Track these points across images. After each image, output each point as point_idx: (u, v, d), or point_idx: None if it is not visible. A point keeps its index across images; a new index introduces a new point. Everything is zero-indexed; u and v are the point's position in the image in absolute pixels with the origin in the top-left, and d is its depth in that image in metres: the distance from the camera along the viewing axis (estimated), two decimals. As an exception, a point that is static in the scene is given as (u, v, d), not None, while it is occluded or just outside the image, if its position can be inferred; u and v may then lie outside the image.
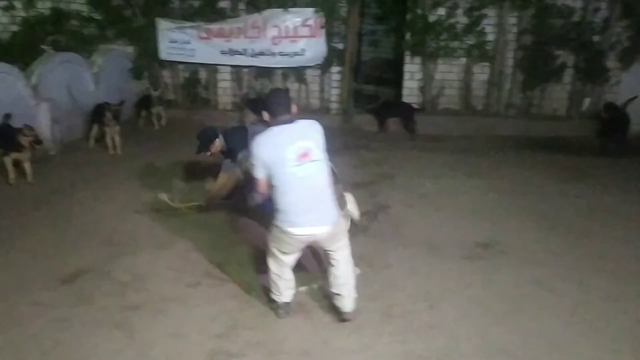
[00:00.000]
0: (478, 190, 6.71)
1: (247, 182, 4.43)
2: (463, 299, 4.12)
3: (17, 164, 6.50)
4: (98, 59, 9.47)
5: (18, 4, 9.84)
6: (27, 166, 6.52)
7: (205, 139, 5.37)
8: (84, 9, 10.03)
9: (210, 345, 3.52)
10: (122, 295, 4.11)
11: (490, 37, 9.73)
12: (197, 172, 6.48)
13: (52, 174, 6.98)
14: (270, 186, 3.48)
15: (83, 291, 4.15)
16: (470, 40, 9.69)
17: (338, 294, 3.74)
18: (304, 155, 3.38)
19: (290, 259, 3.68)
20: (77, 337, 3.57)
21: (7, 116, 6.59)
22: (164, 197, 5.56)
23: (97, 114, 8.11)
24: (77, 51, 9.33)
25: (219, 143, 5.32)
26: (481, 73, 10.00)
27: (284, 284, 3.76)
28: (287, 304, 3.82)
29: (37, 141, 6.49)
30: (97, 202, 6.00)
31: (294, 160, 3.36)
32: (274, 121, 3.47)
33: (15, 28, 9.94)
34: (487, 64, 9.90)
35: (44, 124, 7.72)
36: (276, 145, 3.39)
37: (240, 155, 5.07)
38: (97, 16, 10.02)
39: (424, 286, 4.33)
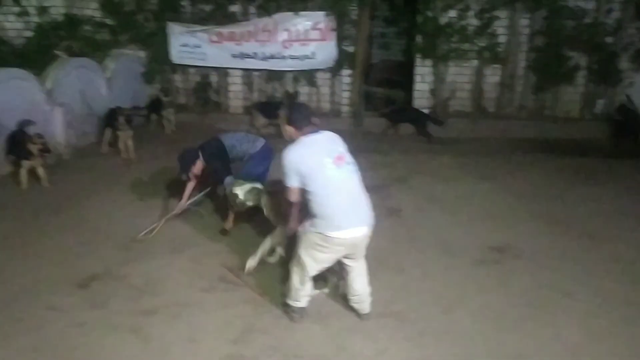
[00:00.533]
0: (491, 193, 6.68)
1: None
2: (478, 304, 4.10)
3: (31, 171, 6.56)
4: (111, 63, 9.55)
5: (32, 10, 9.93)
6: (40, 171, 6.59)
7: (186, 162, 5.33)
8: (97, 15, 10.12)
9: (225, 350, 3.53)
10: (137, 299, 4.13)
11: (502, 39, 9.70)
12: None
13: (66, 178, 7.02)
14: (305, 195, 3.52)
15: (99, 296, 4.18)
16: (482, 43, 9.67)
17: (358, 299, 3.86)
18: (340, 158, 3.51)
19: (319, 269, 3.72)
20: (94, 342, 3.59)
21: (28, 122, 6.66)
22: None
23: (110, 118, 8.17)
24: (90, 56, 9.41)
25: (200, 164, 5.29)
26: (493, 75, 9.98)
27: (305, 292, 3.78)
28: (302, 308, 3.84)
29: (46, 149, 6.53)
30: (111, 206, 6.03)
31: (332, 163, 3.46)
32: (300, 133, 3.58)
33: (29, 34, 10.05)
34: (498, 66, 9.88)
35: (58, 129, 7.81)
36: (312, 152, 3.49)
37: (227, 180, 5.12)
38: (109, 21, 10.12)
39: (438, 291, 4.31)
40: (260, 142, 5.53)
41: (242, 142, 5.46)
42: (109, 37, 10.19)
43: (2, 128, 6.74)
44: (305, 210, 3.61)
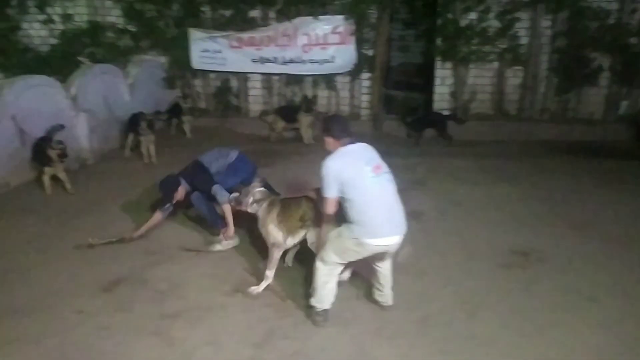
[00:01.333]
0: (513, 196, 6.61)
1: None
2: (502, 309, 4.06)
3: (54, 176, 6.68)
4: (133, 69, 9.68)
5: (57, 18, 10.12)
6: (62, 177, 6.69)
7: (169, 188, 5.20)
8: (119, 21, 10.27)
9: (248, 353, 3.55)
10: (161, 303, 4.17)
11: (524, 40, 9.59)
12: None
13: (90, 183, 7.13)
14: (342, 202, 3.58)
15: (123, 299, 4.24)
16: (503, 44, 9.58)
17: (381, 291, 4.00)
18: (378, 167, 3.61)
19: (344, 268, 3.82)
20: (119, 345, 3.64)
21: (60, 127, 6.79)
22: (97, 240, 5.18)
23: (133, 123, 8.28)
24: (113, 62, 9.56)
25: (182, 189, 5.19)
26: (514, 77, 9.87)
27: (330, 292, 3.80)
28: (326, 311, 3.84)
29: (64, 154, 6.60)
30: (133, 210, 6.10)
31: (371, 172, 3.55)
32: (339, 144, 3.66)
33: (54, 41, 10.24)
34: (520, 67, 9.77)
35: (82, 134, 7.94)
36: (352, 160, 3.57)
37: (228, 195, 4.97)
38: (131, 28, 10.25)
39: (460, 295, 4.28)
40: (234, 153, 5.49)
41: (217, 158, 5.40)
42: (131, 43, 10.33)
43: (27, 134, 6.87)
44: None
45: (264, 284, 4.29)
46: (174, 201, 5.23)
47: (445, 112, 9.73)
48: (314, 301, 3.83)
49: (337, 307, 3.98)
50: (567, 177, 7.42)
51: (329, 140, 3.70)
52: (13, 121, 6.81)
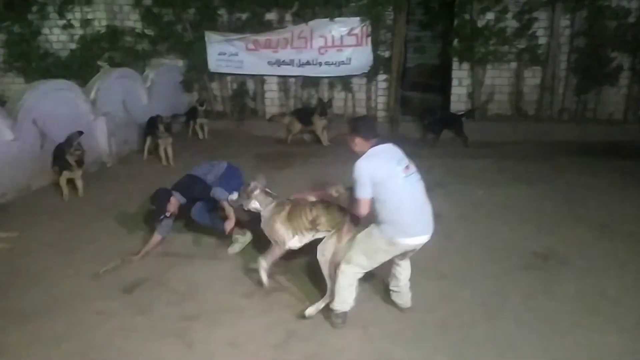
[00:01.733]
0: (533, 198, 6.54)
1: None
2: (523, 311, 4.03)
3: (69, 181, 6.75)
4: (151, 73, 9.77)
5: (76, 23, 10.26)
6: (78, 182, 6.75)
7: (161, 201, 5.04)
8: (137, 26, 10.39)
9: (267, 355, 3.56)
10: (180, 305, 4.20)
11: (542, 40, 9.49)
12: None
13: (109, 185, 7.22)
14: (374, 203, 3.58)
15: (142, 301, 4.28)
16: (521, 45, 9.49)
17: (398, 292, 4.00)
18: (408, 167, 3.62)
19: (370, 269, 3.81)
20: (139, 346, 3.67)
21: (80, 133, 6.88)
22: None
23: (151, 126, 8.36)
24: (131, 66, 9.66)
25: (175, 200, 5.06)
26: (532, 77, 9.76)
27: (352, 295, 3.79)
28: (345, 313, 3.83)
29: (81, 160, 6.66)
30: (152, 213, 6.14)
31: (403, 172, 3.57)
32: (368, 144, 3.65)
33: (73, 46, 10.38)
34: (538, 68, 9.66)
35: (101, 137, 8.03)
36: (385, 160, 3.59)
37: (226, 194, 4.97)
38: (149, 32, 10.35)
39: (480, 297, 4.25)
40: (224, 164, 5.52)
41: (210, 169, 5.43)
42: (148, 47, 10.44)
43: (47, 138, 6.98)
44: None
45: (263, 275, 4.31)
46: (168, 213, 5.04)
47: (461, 113, 9.65)
48: (335, 304, 3.81)
49: (355, 309, 3.97)
50: (587, 177, 7.31)
51: (358, 141, 3.67)
52: (34, 125, 6.91)
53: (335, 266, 3.84)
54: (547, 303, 4.13)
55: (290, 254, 4.49)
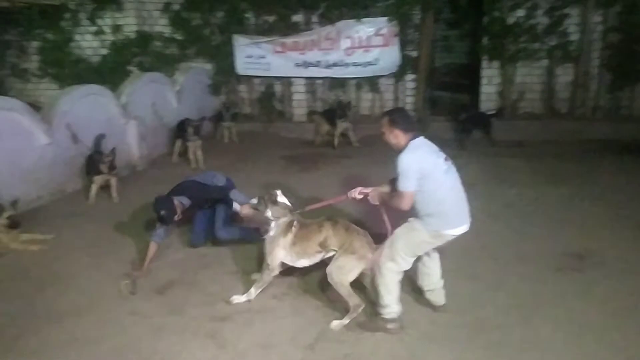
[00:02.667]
0: (566, 197, 6.42)
1: None
2: (558, 313, 3.93)
3: (104, 186, 6.86)
4: (180, 77, 9.88)
5: (107, 29, 10.45)
6: (113, 190, 6.84)
7: (168, 206, 4.74)
8: (166, 31, 10.53)
9: (299, 356, 3.55)
10: (212, 305, 4.22)
11: (574, 37, 9.30)
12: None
13: (140, 188, 7.30)
14: (418, 195, 3.53)
15: (175, 301, 4.31)
16: (552, 41, 9.32)
17: (433, 289, 3.98)
18: (446, 159, 3.63)
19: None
20: (173, 346, 3.70)
21: (102, 136, 7.00)
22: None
23: (180, 129, 8.45)
24: (161, 70, 9.79)
25: (178, 202, 4.83)
26: (564, 75, 9.59)
27: (398, 293, 3.75)
28: (398, 316, 3.76)
29: (112, 166, 6.77)
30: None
31: (444, 163, 3.57)
32: (408, 136, 3.59)
33: (104, 51, 10.57)
34: (570, 65, 9.48)
35: (132, 141, 8.15)
36: (428, 152, 3.57)
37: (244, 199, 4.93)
38: (178, 36, 10.49)
39: (514, 299, 4.17)
40: (222, 178, 5.35)
41: (210, 178, 5.29)
42: (177, 51, 10.57)
43: (80, 142, 7.13)
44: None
45: (244, 298, 4.22)
46: (178, 217, 4.82)
47: (491, 112, 9.50)
48: (387, 310, 3.72)
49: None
50: (621, 176, 7.14)
51: (398, 133, 3.59)
52: (68, 129, 7.05)
53: (373, 274, 3.79)
54: (583, 305, 4.03)
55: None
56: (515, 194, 6.60)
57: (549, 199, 6.41)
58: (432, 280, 3.97)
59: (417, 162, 3.46)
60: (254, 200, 4.48)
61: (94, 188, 6.78)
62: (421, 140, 3.62)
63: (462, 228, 3.63)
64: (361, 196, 4.06)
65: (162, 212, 4.68)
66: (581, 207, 6.08)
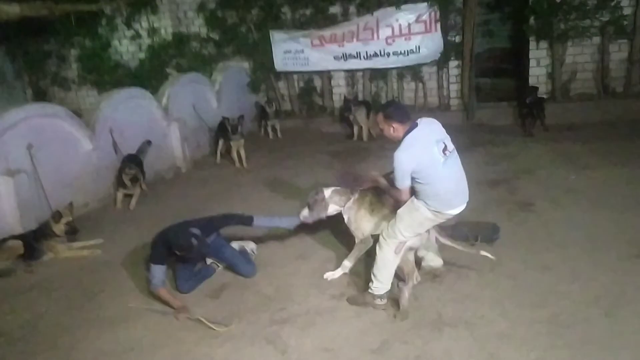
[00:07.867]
0: (631, 180, 6.01)
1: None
2: (644, 304, 3.61)
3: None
4: (218, 76, 9.77)
5: (143, 33, 10.46)
6: (134, 199, 6.75)
7: (183, 236, 4.18)
8: (202, 31, 10.45)
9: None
10: (268, 308, 4.05)
11: (627, 10, 8.76)
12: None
13: (184, 190, 7.23)
14: (416, 185, 3.69)
15: (230, 305, 4.16)
16: (604, 17, 8.80)
17: (427, 253, 4.28)
18: (445, 149, 3.66)
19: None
20: (231, 353, 3.54)
21: (148, 143, 6.92)
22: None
23: (222, 129, 8.34)
24: (199, 71, 9.71)
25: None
26: (619, 51, 9.04)
27: (393, 270, 3.87)
28: (387, 292, 3.88)
29: (134, 179, 6.68)
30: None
31: (441, 156, 3.62)
32: (404, 128, 3.69)
33: (142, 55, 10.59)
34: (625, 40, 8.94)
35: (174, 143, 8.08)
36: (422, 148, 3.61)
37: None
38: (214, 36, 10.39)
39: (592, 291, 3.86)
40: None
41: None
42: (214, 51, 10.48)
43: (119, 148, 7.08)
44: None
45: (339, 272, 4.41)
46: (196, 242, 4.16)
47: (542, 95, 9.05)
48: (377, 284, 3.85)
49: (455, 308, 3.75)
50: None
51: (396, 126, 3.69)
52: (110, 134, 7.01)
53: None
54: (671, 294, 3.70)
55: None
56: (576, 178, 6.22)
57: (612, 182, 6.02)
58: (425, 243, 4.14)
59: (409, 163, 3.57)
60: (305, 212, 4.53)
61: (119, 197, 6.75)
62: (417, 134, 3.64)
63: (460, 208, 3.79)
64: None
65: (179, 247, 4.13)
66: (647, 188, 5.67)
